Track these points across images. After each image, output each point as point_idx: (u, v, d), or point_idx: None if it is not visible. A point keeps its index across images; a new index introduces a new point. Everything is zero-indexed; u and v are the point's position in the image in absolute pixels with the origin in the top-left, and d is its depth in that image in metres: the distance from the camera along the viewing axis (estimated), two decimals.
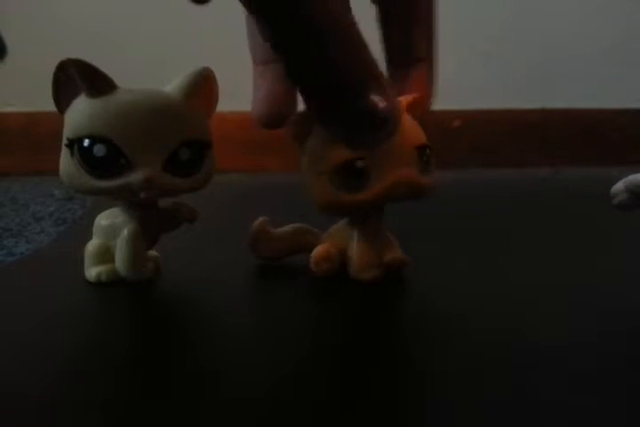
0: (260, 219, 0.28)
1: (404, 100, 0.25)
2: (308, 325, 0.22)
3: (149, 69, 0.59)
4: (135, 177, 0.22)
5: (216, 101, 0.25)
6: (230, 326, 0.22)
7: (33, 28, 0.74)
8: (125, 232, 0.25)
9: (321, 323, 0.22)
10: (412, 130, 0.24)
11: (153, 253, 0.27)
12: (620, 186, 0.26)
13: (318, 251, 0.26)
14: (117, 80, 0.23)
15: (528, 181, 0.61)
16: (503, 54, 0.85)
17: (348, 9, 0.20)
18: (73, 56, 0.22)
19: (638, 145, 0.84)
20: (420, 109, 0.25)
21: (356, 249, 0.26)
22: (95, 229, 0.26)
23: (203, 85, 0.24)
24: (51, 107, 0.23)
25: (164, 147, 0.23)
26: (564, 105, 0.85)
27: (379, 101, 0.21)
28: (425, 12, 0.26)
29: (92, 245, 0.26)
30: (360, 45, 0.20)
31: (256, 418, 0.15)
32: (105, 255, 0.26)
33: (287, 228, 0.28)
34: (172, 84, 0.24)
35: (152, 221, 0.26)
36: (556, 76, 0.86)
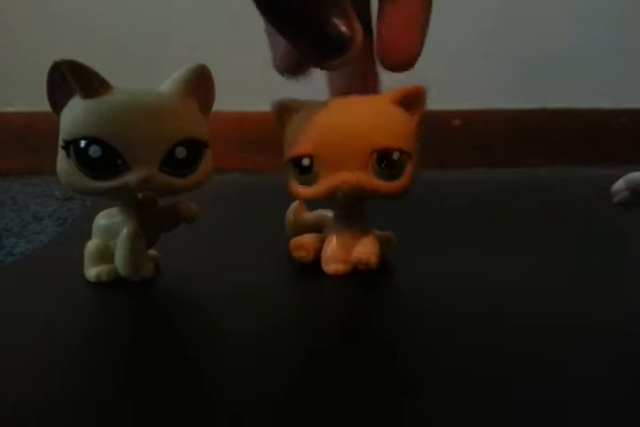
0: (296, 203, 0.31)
1: (397, 92, 0.25)
2: (306, 323, 0.22)
3: (148, 68, 0.59)
4: (132, 177, 0.22)
5: (212, 99, 0.25)
6: (231, 324, 0.22)
7: (33, 28, 0.74)
8: (124, 232, 0.25)
9: (321, 322, 0.22)
10: (372, 130, 0.24)
11: (152, 252, 0.27)
12: (620, 184, 0.26)
13: (294, 240, 0.28)
14: (115, 79, 0.23)
15: (528, 181, 0.61)
16: (502, 54, 0.85)
17: None
18: (72, 56, 0.22)
19: (638, 145, 0.84)
20: (421, 103, 0.25)
21: (326, 242, 0.27)
22: (94, 228, 0.26)
23: (198, 83, 0.24)
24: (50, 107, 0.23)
25: (159, 146, 0.23)
26: (564, 105, 0.85)
27: (340, 25, 0.22)
28: None
29: (91, 245, 0.26)
30: None
31: (256, 417, 0.15)
32: (105, 255, 0.26)
33: (315, 212, 0.31)
34: (166, 82, 0.24)
35: (151, 220, 0.26)
36: (556, 76, 0.85)
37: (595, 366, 0.18)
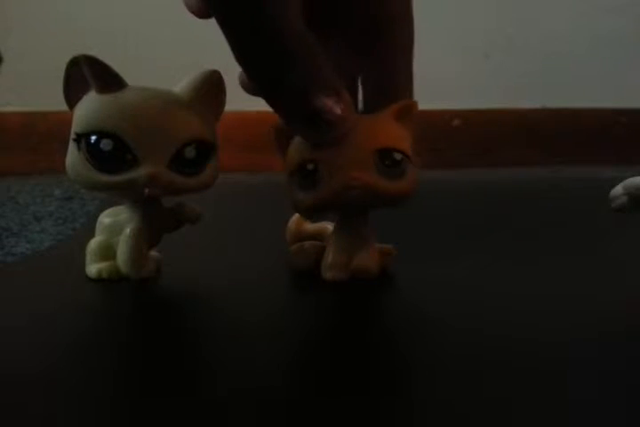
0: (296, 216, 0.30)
1: (394, 106, 0.25)
2: (306, 323, 0.22)
3: (148, 68, 0.59)
4: (140, 173, 0.23)
5: (223, 105, 0.25)
6: (230, 324, 0.22)
7: (33, 29, 0.74)
8: (128, 230, 0.25)
9: (320, 322, 0.22)
10: (373, 133, 0.24)
11: (154, 254, 0.27)
12: (618, 189, 0.26)
13: (295, 246, 0.28)
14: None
15: (528, 181, 0.61)
16: (503, 54, 0.85)
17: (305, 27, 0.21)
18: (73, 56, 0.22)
19: (638, 145, 0.84)
20: (414, 117, 0.25)
21: (327, 249, 0.26)
22: (98, 226, 0.27)
23: (211, 87, 0.24)
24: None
25: (169, 145, 0.23)
26: (564, 105, 0.85)
27: (328, 104, 0.22)
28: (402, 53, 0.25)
29: (94, 242, 0.26)
30: (317, 54, 0.22)
31: (255, 416, 0.15)
32: (107, 252, 0.26)
33: (316, 224, 0.31)
34: (180, 84, 0.24)
35: (155, 220, 0.26)
36: (556, 75, 0.86)
37: (599, 373, 0.18)
